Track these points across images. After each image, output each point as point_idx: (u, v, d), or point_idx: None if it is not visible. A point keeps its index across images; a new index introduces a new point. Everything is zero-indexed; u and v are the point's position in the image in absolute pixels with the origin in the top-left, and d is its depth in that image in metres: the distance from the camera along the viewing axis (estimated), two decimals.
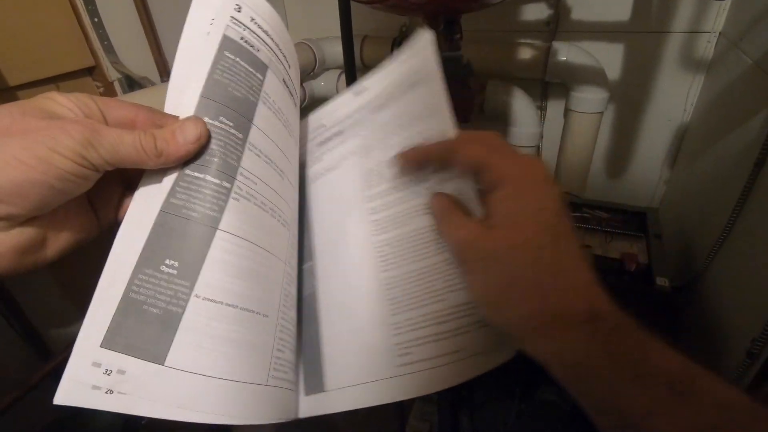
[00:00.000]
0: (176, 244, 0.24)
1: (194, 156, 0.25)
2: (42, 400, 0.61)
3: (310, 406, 0.31)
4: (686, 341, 0.73)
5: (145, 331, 0.23)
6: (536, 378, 0.63)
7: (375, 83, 0.36)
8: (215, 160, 0.26)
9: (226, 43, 0.27)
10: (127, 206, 0.25)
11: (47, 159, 0.21)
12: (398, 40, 0.97)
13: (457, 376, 0.28)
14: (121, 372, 0.22)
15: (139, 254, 0.24)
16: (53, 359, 0.60)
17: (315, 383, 0.32)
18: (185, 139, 0.24)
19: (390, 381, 0.30)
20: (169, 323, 0.23)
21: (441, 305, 0.30)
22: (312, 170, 0.37)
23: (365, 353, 0.31)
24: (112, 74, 0.65)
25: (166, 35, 0.70)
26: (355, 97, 0.37)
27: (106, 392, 0.22)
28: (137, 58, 0.68)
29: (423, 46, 0.35)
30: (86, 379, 0.22)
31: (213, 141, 0.26)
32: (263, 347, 0.27)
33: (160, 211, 0.24)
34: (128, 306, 0.23)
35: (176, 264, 0.24)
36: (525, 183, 0.25)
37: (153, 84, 0.66)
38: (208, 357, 0.23)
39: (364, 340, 0.32)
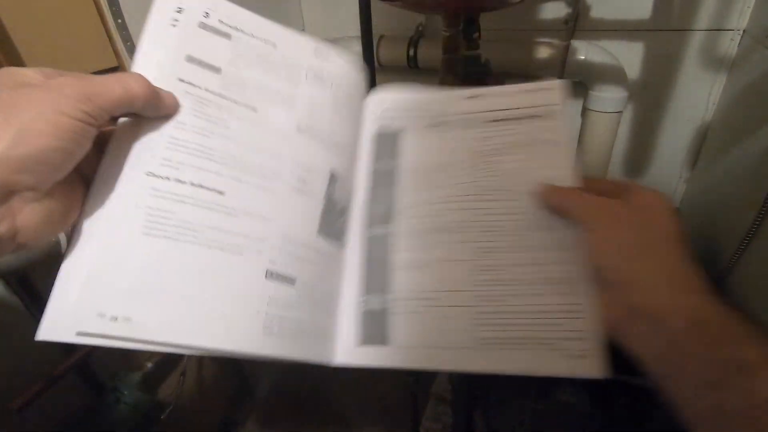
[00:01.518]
0: None
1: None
2: (65, 393, 0.63)
3: (362, 356, 0.33)
4: None
5: None
6: (552, 378, 0.63)
7: (492, 95, 0.39)
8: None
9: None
10: None
11: (58, 123, 0.22)
12: (415, 39, 0.97)
13: (538, 365, 0.30)
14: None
15: None
16: (77, 352, 0.61)
17: (374, 335, 0.33)
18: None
19: (466, 351, 0.31)
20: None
21: (538, 299, 0.31)
22: (409, 144, 0.39)
23: (443, 318, 0.32)
24: None
25: None
26: (468, 100, 0.39)
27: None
28: None
29: (553, 87, 0.37)
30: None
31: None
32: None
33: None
34: None
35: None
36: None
37: None
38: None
39: (446, 302, 0.33)
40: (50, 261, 0.55)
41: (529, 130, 0.36)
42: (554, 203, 0.32)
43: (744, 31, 0.81)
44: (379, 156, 0.39)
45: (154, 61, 0.30)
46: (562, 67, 0.86)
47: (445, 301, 0.33)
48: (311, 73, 0.36)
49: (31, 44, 0.54)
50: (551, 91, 0.37)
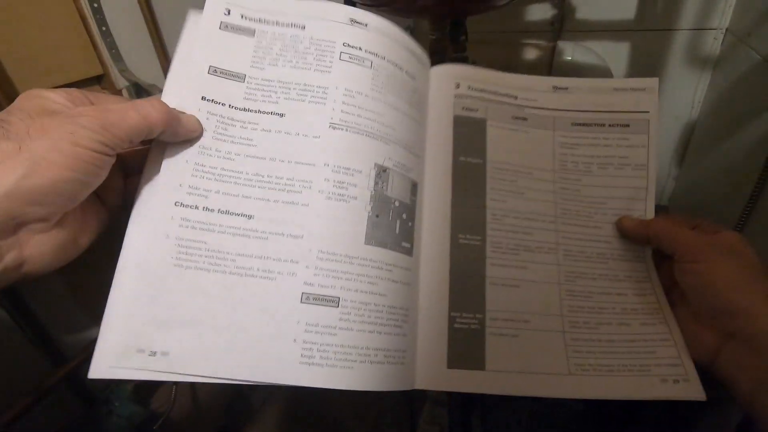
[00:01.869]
0: None
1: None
2: (56, 406, 0.62)
3: (452, 380, 0.30)
4: None
5: None
6: None
7: (580, 90, 0.36)
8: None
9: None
10: (132, 191, 0.28)
11: (73, 154, 0.22)
12: None
13: (635, 391, 0.30)
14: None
15: None
16: (66, 365, 0.60)
17: (468, 358, 0.30)
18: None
19: (561, 377, 0.30)
20: None
21: (626, 329, 0.31)
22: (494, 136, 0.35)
23: (536, 342, 0.31)
24: (121, 82, 0.66)
25: (173, 43, 0.71)
26: (554, 93, 0.36)
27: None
28: (145, 66, 0.69)
29: (646, 87, 0.35)
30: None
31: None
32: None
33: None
34: None
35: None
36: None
37: (161, 91, 0.67)
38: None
39: (538, 326, 0.32)
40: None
41: (616, 143, 0.35)
42: (649, 235, 0.33)
43: (726, 29, 0.82)
44: (463, 147, 0.34)
45: (181, 78, 0.29)
46: (549, 67, 0.87)
47: (538, 324, 0.32)
48: (346, 51, 0.32)
49: (15, 52, 0.53)
50: (644, 93, 0.35)
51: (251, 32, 0.31)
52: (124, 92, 0.67)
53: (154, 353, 0.25)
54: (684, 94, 0.89)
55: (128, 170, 0.29)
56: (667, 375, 0.30)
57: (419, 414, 0.94)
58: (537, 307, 0.32)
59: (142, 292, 0.26)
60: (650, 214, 0.34)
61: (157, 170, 0.28)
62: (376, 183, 0.30)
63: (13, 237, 0.22)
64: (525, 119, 0.35)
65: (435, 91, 0.35)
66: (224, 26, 0.30)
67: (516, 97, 0.36)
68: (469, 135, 0.34)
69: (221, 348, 0.26)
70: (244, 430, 1.13)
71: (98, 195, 0.27)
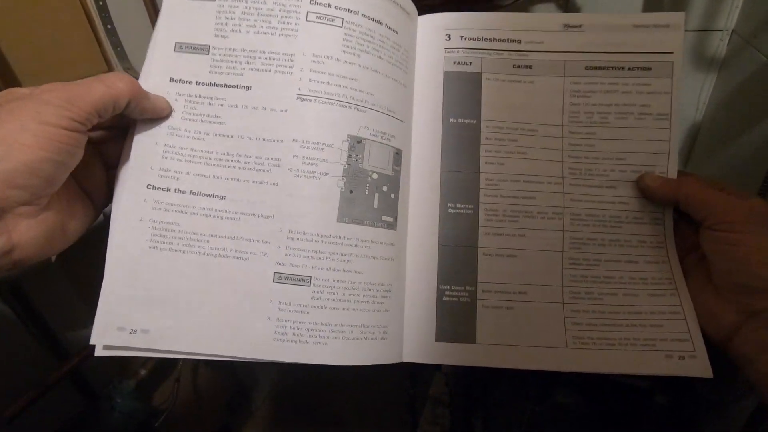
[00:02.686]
0: None
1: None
2: (58, 401, 0.62)
3: (441, 353, 0.29)
4: None
5: None
6: (550, 380, 0.63)
7: (595, 27, 0.31)
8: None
9: None
10: (113, 183, 0.29)
11: (42, 134, 0.22)
12: None
13: (637, 366, 0.29)
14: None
15: None
16: (69, 361, 0.60)
17: (459, 333, 0.30)
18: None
19: (559, 351, 0.30)
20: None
21: (633, 299, 0.30)
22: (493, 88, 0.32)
23: (533, 314, 0.30)
24: None
25: None
26: (565, 32, 0.32)
27: None
28: None
29: (671, 22, 0.31)
30: None
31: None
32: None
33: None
34: None
35: None
36: None
37: None
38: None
39: (536, 297, 0.30)
40: (42, 269, 0.54)
41: (636, 89, 0.31)
42: (677, 196, 0.30)
43: (733, 31, 0.81)
44: (454, 107, 0.32)
45: (151, 62, 0.29)
46: None
47: (536, 296, 0.30)
48: (313, 10, 0.30)
49: (20, 50, 0.53)
50: (668, 30, 0.31)
51: None
52: None
53: (134, 331, 0.26)
54: (689, 95, 0.89)
55: (110, 163, 0.29)
56: (672, 350, 0.29)
57: (421, 414, 0.94)
58: (536, 277, 0.30)
59: (121, 273, 0.27)
60: (673, 171, 0.31)
61: (128, 154, 0.28)
62: (349, 156, 0.29)
63: (1, 222, 0.22)
64: (529, 67, 0.32)
65: (422, 46, 0.33)
66: None
67: (519, 41, 0.32)
68: (461, 93, 0.32)
69: (198, 325, 0.27)
70: (245, 427, 1.13)
71: (82, 187, 0.28)
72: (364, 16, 0.30)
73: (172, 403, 0.77)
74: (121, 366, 0.76)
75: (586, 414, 0.65)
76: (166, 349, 0.26)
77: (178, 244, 0.27)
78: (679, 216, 0.31)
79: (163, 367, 0.80)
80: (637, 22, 0.31)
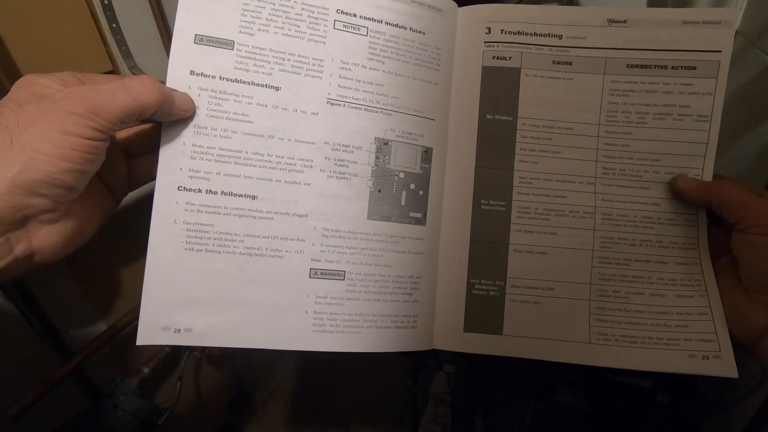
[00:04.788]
0: None
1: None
2: (61, 399, 0.62)
3: (468, 343, 0.31)
4: None
5: None
6: (552, 379, 0.63)
7: (640, 23, 0.30)
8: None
9: None
10: (136, 174, 0.30)
11: (64, 144, 0.22)
12: None
13: (659, 364, 0.29)
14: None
15: None
16: (73, 359, 0.60)
17: (487, 324, 0.31)
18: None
19: (582, 345, 0.30)
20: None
21: (659, 299, 0.30)
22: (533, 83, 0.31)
23: (559, 309, 0.31)
24: None
25: None
26: (608, 28, 0.31)
27: None
28: (153, 63, 0.69)
29: (722, 18, 0.29)
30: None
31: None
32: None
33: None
34: None
35: None
36: None
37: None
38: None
39: (564, 294, 0.31)
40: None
41: (678, 89, 0.30)
42: (712, 198, 0.30)
43: (737, 31, 0.81)
44: (492, 103, 0.32)
45: (172, 54, 0.29)
46: None
47: (564, 292, 0.31)
48: (340, 19, 0.30)
49: (25, 48, 0.53)
50: (718, 28, 0.30)
51: None
52: None
53: (178, 330, 0.27)
54: None
55: (131, 153, 0.29)
56: (696, 350, 0.29)
57: (422, 413, 0.94)
58: (564, 275, 0.31)
59: (160, 275, 0.27)
60: (708, 174, 0.31)
61: (160, 155, 0.28)
62: (377, 158, 0.31)
63: (22, 229, 0.22)
64: (569, 63, 0.31)
65: (462, 40, 0.32)
66: None
67: (561, 37, 0.31)
68: (499, 89, 0.31)
69: (238, 322, 0.28)
70: (247, 427, 1.13)
71: (103, 181, 0.27)
72: (387, 23, 0.31)
73: (174, 401, 0.77)
74: (124, 364, 0.76)
75: (587, 413, 0.65)
76: (211, 344, 0.28)
77: (213, 245, 0.28)
78: (710, 218, 0.31)
79: (166, 366, 0.80)
80: (686, 18, 0.30)
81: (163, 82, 0.66)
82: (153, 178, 0.30)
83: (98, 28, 0.62)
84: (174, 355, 0.80)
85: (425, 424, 0.92)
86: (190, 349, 0.81)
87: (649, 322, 0.30)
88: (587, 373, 0.60)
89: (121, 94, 0.24)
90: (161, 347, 0.78)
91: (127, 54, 0.65)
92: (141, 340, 0.27)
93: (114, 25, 0.63)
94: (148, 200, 0.28)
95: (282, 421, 1.16)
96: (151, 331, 0.27)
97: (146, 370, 0.75)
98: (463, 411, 0.78)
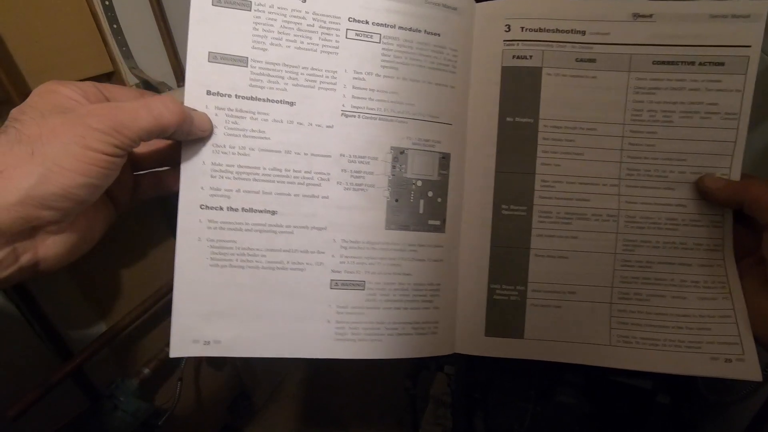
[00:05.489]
0: None
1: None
2: (61, 400, 0.62)
3: (489, 347, 0.31)
4: None
5: None
6: (552, 380, 0.63)
7: (666, 17, 0.29)
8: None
9: None
10: (141, 188, 0.30)
11: (84, 159, 0.22)
12: None
13: (679, 367, 0.29)
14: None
15: None
16: (73, 360, 0.60)
17: (508, 329, 0.31)
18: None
19: (601, 347, 0.30)
20: None
21: (681, 302, 0.30)
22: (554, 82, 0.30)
23: (580, 312, 0.31)
24: (131, 79, 0.66)
25: (182, 41, 0.71)
26: (634, 23, 0.30)
27: None
28: (154, 64, 0.69)
29: (751, 11, 0.28)
30: None
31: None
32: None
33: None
34: None
35: None
36: None
37: (170, 89, 0.67)
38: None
39: (585, 297, 0.31)
40: None
41: (706, 86, 0.29)
42: (742, 198, 0.29)
43: None
44: (512, 105, 0.31)
45: (187, 73, 0.28)
46: None
47: (585, 296, 0.31)
48: (352, 28, 0.30)
49: (26, 49, 0.53)
50: (747, 21, 0.29)
51: (247, 5, 0.29)
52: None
53: (207, 342, 0.28)
54: None
55: (138, 166, 0.30)
56: (719, 353, 0.29)
57: (422, 414, 0.94)
58: (586, 278, 0.31)
59: (187, 290, 0.28)
60: (736, 173, 0.30)
61: (181, 175, 0.29)
62: (393, 167, 0.30)
63: (29, 240, 0.22)
64: (593, 60, 0.30)
65: (480, 39, 0.31)
66: (217, 0, 0.28)
67: (584, 33, 0.30)
68: (519, 90, 0.30)
69: (263, 333, 0.29)
70: (247, 428, 1.13)
71: (108, 193, 0.27)
72: (401, 28, 0.30)
73: (175, 402, 0.77)
74: (124, 365, 0.76)
75: (587, 414, 0.65)
76: (240, 355, 0.29)
77: (236, 260, 0.29)
78: (735, 219, 0.31)
79: (166, 367, 0.80)
80: (714, 12, 0.29)
81: (164, 83, 0.66)
82: (156, 194, 0.31)
83: (99, 28, 0.62)
84: None
85: (425, 426, 0.92)
86: None
87: (671, 324, 0.30)
88: (589, 374, 0.61)
89: (143, 113, 0.24)
90: (161, 348, 0.78)
91: (127, 54, 0.65)
92: (174, 352, 0.28)
93: (115, 26, 0.64)
94: (148, 203, 0.28)
95: (282, 423, 1.16)
96: (182, 344, 0.28)
97: (146, 371, 0.75)
98: (463, 412, 0.78)
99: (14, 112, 0.23)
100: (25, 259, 0.22)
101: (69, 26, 0.59)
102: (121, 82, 0.66)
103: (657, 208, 0.30)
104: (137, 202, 0.30)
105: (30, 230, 0.22)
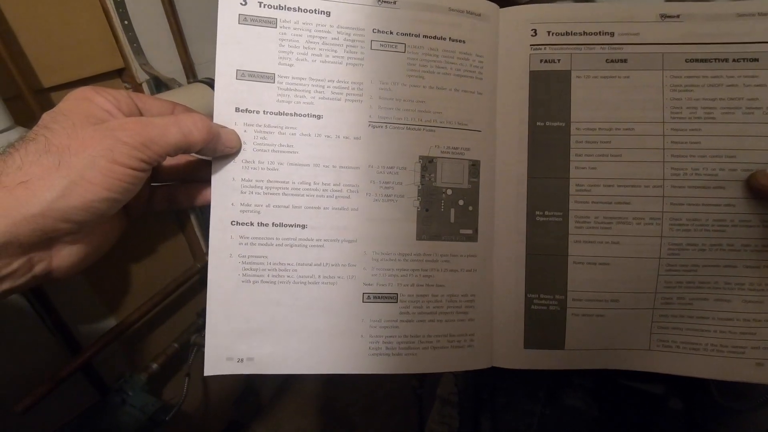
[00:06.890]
0: None
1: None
2: (70, 394, 0.63)
3: (529, 359, 0.31)
4: None
5: None
6: (561, 382, 0.62)
7: (696, 16, 0.29)
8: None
9: None
10: (155, 200, 0.30)
11: (110, 173, 0.22)
12: None
13: (720, 371, 0.28)
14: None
15: None
16: (82, 354, 0.61)
17: (548, 340, 0.30)
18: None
19: (642, 352, 0.30)
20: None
21: (725, 305, 0.29)
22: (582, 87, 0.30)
23: (622, 320, 0.30)
24: (141, 76, 0.66)
25: (193, 38, 0.72)
26: (663, 23, 0.30)
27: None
28: (165, 60, 0.69)
29: None
30: None
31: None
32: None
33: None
34: None
35: None
36: None
37: (180, 85, 0.67)
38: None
39: (627, 305, 0.30)
40: None
41: (743, 82, 0.29)
42: None
43: None
44: (542, 109, 0.30)
45: (216, 91, 0.29)
46: None
47: (628, 303, 0.30)
48: (377, 39, 0.30)
49: (37, 45, 0.54)
50: None
51: (273, 22, 0.29)
52: (144, 86, 0.67)
53: (241, 360, 0.29)
54: None
55: (156, 177, 0.29)
56: (765, 359, 0.28)
57: (429, 413, 0.94)
58: (629, 285, 0.29)
59: (220, 307, 0.28)
60: None
61: (212, 191, 0.29)
62: (422, 176, 0.30)
63: (45, 251, 0.22)
64: (624, 61, 0.30)
65: (506, 44, 0.31)
66: (243, 19, 0.29)
67: (612, 34, 0.30)
68: (548, 94, 0.30)
69: (296, 349, 0.29)
70: (253, 424, 1.14)
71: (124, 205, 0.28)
72: (425, 37, 0.30)
73: (182, 397, 0.77)
74: (133, 360, 0.76)
75: (596, 418, 0.64)
76: (273, 372, 0.29)
77: (268, 275, 0.29)
78: None
79: (174, 363, 0.81)
80: (740, 11, 0.29)
81: (174, 80, 0.66)
82: (167, 208, 0.31)
83: (110, 24, 0.62)
84: (182, 351, 0.81)
85: (431, 425, 0.92)
86: (198, 346, 0.81)
87: (713, 328, 0.29)
88: (599, 377, 0.60)
89: (173, 129, 0.24)
90: (169, 343, 0.79)
91: (138, 51, 0.66)
92: (208, 371, 0.28)
93: (126, 22, 0.64)
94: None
95: (288, 419, 1.16)
96: (217, 362, 0.28)
97: (155, 366, 0.75)
98: (470, 412, 0.77)
99: (46, 118, 0.23)
100: (39, 268, 0.22)
101: (80, 22, 0.59)
102: (132, 78, 0.66)
103: (704, 209, 0.29)
104: (149, 213, 0.30)
105: (47, 241, 0.22)
